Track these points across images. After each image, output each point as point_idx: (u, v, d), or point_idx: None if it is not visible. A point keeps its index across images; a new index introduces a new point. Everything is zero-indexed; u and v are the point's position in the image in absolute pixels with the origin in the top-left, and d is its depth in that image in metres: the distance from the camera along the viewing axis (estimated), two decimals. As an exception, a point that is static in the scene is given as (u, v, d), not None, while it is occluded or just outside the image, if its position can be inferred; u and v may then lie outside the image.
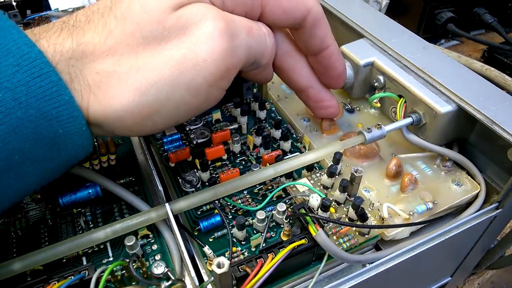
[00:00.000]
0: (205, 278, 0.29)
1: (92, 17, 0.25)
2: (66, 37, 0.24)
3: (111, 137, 0.37)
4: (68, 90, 0.23)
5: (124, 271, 0.29)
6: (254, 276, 0.26)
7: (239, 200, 0.34)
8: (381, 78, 0.39)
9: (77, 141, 0.24)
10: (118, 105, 0.24)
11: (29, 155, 0.23)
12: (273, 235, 0.32)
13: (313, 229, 0.28)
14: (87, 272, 0.26)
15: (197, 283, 0.26)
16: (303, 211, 0.30)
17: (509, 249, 0.49)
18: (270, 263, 0.27)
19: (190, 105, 0.27)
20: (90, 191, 0.33)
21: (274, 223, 0.33)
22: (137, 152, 0.38)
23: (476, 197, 0.35)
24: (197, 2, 0.26)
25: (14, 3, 0.49)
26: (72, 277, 0.26)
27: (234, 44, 0.26)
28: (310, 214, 0.29)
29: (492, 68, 0.45)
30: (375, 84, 0.40)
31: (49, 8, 0.53)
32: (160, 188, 0.31)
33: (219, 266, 0.24)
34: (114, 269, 0.29)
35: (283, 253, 0.27)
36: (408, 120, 0.36)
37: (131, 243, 0.28)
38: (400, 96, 0.38)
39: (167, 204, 0.29)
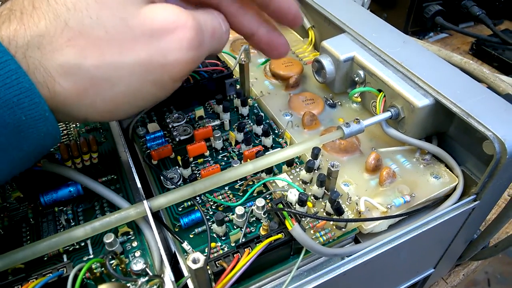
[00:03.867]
0: (186, 274, 0.30)
1: (37, 3, 0.24)
2: (18, 27, 0.24)
3: (92, 136, 0.38)
4: (28, 77, 0.23)
5: (103, 268, 0.29)
6: (230, 271, 0.27)
7: (220, 196, 0.35)
8: (361, 72, 0.40)
9: (42, 128, 0.25)
10: (90, 97, 0.26)
11: None
12: (253, 230, 0.32)
13: (289, 224, 0.29)
14: (65, 270, 0.27)
15: (173, 279, 0.26)
16: (280, 206, 0.30)
17: (493, 239, 0.49)
18: (247, 258, 0.27)
19: (156, 96, 0.29)
20: (71, 189, 0.33)
21: (254, 218, 0.33)
22: (120, 150, 0.39)
23: (454, 189, 0.35)
24: (162, 4, 0.27)
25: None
26: (50, 275, 0.26)
27: (200, 53, 0.28)
28: (286, 209, 0.29)
29: (471, 62, 0.45)
30: (356, 79, 0.40)
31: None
32: (139, 185, 0.32)
33: (194, 261, 0.25)
34: (94, 266, 0.29)
35: (259, 247, 0.28)
36: (387, 114, 0.36)
37: (110, 240, 0.29)
38: (379, 91, 0.38)
39: (145, 201, 0.30)
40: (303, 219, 0.31)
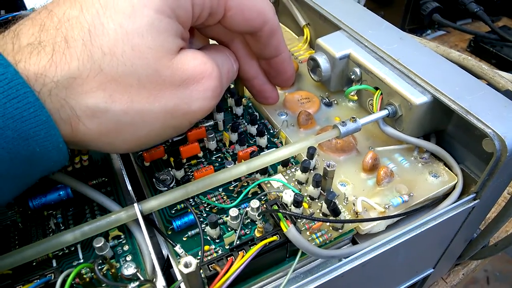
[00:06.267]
0: (179, 277, 0.29)
1: (72, 42, 0.23)
2: (47, 65, 0.23)
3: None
4: (45, 110, 0.23)
5: (93, 273, 0.28)
6: (224, 275, 0.26)
7: (214, 198, 0.34)
8: (357, 70, 0.39)
9: (53, 157, 0.25)
10: (112, 138, 0.26)
11: (5, 174, 0.23)
12: (247, 232, 0.32)
13: (284, 225, 0.28)
14: (53, 275, 0.26)
15: (164, 284, 0.26)
16: (275, 207, 0.29)
17: (493, 238, 0.48)
18: (240, 261, 0.27)
19: (171, 136, 0.31)
20: (61, 193, 0.32)
21: (249, 220, 0.32)
22: (111, 152, 0.38)
23: (453, 188, 0.34)
24: (191, 51, 0.27)
25: (-13, 4, 0.49)
26: (37, 281, 0.25)
27: (219, 99, 0.30)
28: (281, 210, 0.28)
29: (470, 58, 0.45)
30: (352, 77, 0.39)
31: (24, 8, 0.52)
32: (130, 188, 0.31)
33: (186, 265, 0.24)
34: (84, 271, 0.28)
35: (253, 250, 0.27)
36: (384, 112, 0.36)
37: (99, 245, 0.28)
38: (376, 88, 0.37)
39: (135, 204, 0.29)
40: (298, 220, 0.30)
